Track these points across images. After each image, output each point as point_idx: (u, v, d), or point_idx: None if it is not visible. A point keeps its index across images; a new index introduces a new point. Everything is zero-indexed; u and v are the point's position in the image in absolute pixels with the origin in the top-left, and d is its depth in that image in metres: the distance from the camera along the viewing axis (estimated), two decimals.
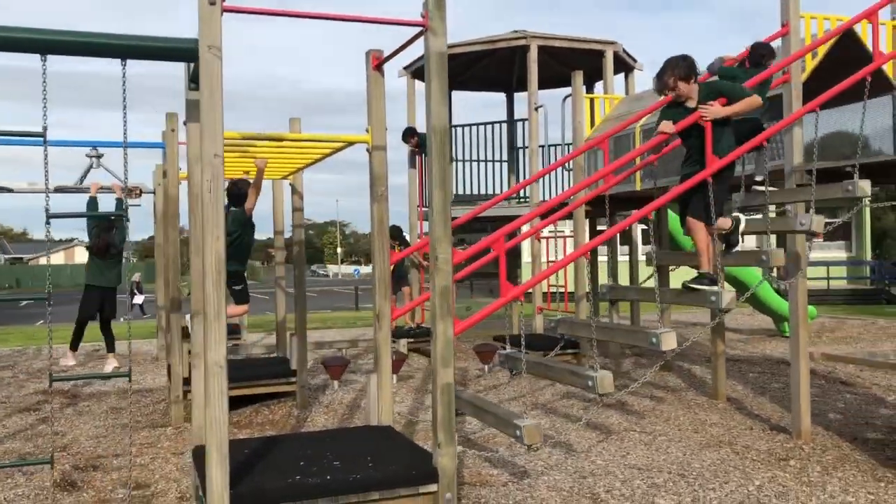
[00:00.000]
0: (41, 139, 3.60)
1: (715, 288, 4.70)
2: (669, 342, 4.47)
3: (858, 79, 5.17)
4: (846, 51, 6.46)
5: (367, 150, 4.66)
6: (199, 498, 3.76)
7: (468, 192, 12.82)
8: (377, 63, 4.57)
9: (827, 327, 13.63)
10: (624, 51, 10.46)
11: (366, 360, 10.22)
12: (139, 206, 10.32)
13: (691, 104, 4.88)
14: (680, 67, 4.83)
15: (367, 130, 4.67)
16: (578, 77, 8.74)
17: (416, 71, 11.36)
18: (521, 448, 5.60)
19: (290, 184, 7.14)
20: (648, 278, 5.10)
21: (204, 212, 3.29)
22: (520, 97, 13.59)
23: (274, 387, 7.17)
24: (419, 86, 11.68)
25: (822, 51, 5.85)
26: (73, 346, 9.82)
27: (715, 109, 4.75)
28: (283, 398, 7.46)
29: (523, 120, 12.90)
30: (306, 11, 3.52)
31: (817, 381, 8.00)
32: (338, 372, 7.92)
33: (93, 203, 9.14)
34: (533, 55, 9.82)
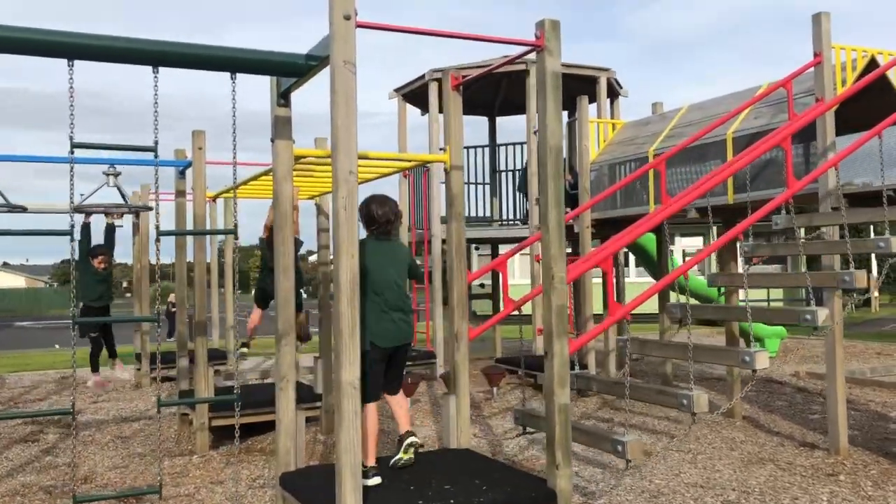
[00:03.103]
0: (153, 154, 3.47)
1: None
2: (762, 361, 4.54)
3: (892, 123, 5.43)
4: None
5: (445, 169, 4.65)
6: None
7: None
8: (456, 83, 4.58)
9: (790, 348, 14.04)
10: (615, 78, 10.73)
11: None
12: (121, 226, 9.95)
13: None
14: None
15: (442, 150, 4.65)
16: (584, 102, 8.93)
17: (408, 94, 11.34)
18: (580, 468, 5.62)
19: (317, 204, 7.00)
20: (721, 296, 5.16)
21: (339, 230, 3.21)
22: (502, 121, 13.75)
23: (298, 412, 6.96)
24: (410, 109, 11.63)
25: (849, 79, 6.12)
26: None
27: None
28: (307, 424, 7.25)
29: (506, 144, 13.08)
30: (432, 29, 3.50)
31: (818, 399, 8.25)
32: None
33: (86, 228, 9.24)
34: (532, 80, 9.94)
